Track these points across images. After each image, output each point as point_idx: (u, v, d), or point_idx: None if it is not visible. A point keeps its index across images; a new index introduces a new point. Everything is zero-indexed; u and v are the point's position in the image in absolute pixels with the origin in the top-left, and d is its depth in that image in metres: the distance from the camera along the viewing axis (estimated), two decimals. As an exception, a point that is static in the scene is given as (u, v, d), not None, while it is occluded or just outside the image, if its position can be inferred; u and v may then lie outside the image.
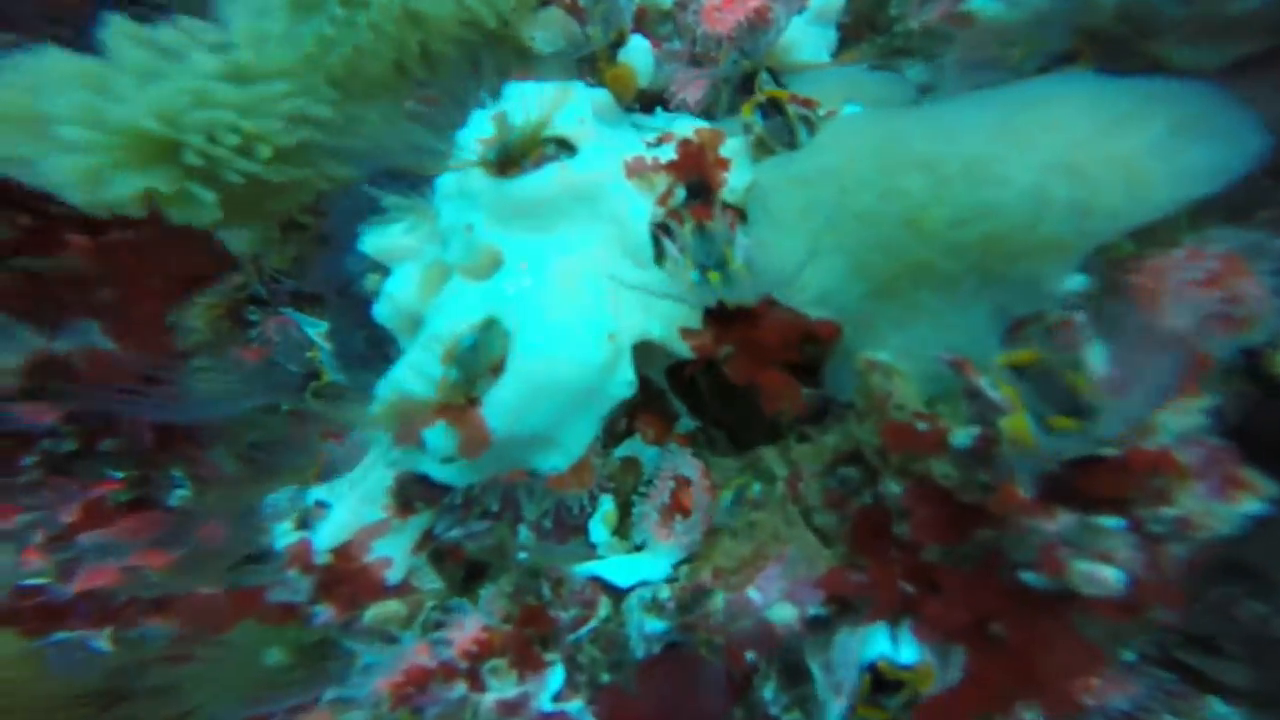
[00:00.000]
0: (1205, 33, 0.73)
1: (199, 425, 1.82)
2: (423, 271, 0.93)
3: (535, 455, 0.84)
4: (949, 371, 0.68)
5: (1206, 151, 0.63)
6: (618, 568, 0.97)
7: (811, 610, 0.76)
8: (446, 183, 0.87)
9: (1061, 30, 0.88)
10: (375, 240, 0.97)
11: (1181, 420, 0.57)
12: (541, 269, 0.80)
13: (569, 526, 1.05)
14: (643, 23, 1.29)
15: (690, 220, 0.86)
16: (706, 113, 1.30)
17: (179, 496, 1.88)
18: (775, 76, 1.27)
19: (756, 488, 0.89)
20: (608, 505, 1.02)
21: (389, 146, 0.92)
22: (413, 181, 1.03)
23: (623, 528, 1.03)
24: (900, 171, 0.73)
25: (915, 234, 0.72)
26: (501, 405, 0.76)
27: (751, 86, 1.26)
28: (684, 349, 0.87)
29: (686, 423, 1.06)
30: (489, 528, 1.03)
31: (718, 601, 0.80)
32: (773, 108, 0.95)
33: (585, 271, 0.83)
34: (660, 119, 1.18)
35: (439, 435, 0.76)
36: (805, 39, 1.29)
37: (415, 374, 0.80)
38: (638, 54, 1.23)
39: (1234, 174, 0.63)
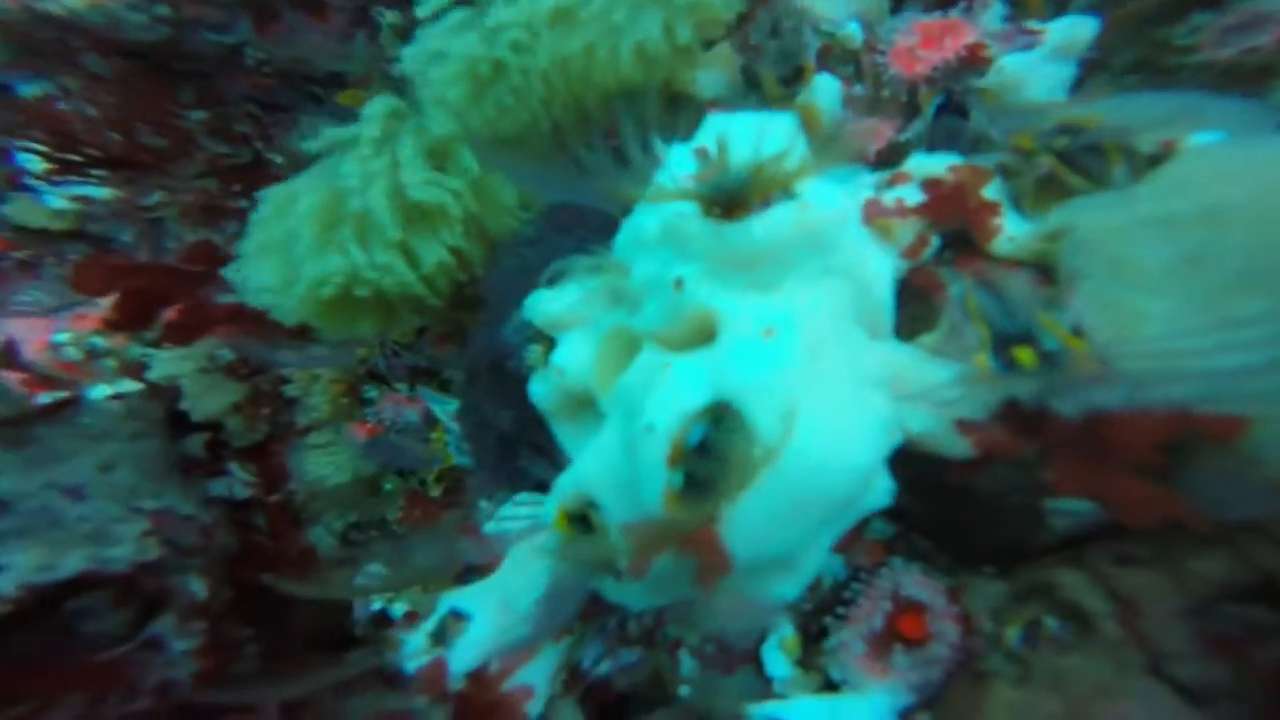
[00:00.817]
0: None
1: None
2: (601, 340, 0.71)
3: (766, 583, 0.58)
4: None
5: None
6: (810, 711, 0.68)
7: None
8: (646, 228, 0.66)
9: None
10: (544, 304, 0.78)
11: None
12: (787, 340, 0.56)
13: (736, 654, 0.77)
14: (825, 60, 1.10)
15: (973, 285, 0.61)
16: (884, 158, 1.07)
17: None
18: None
19: (1052, 623, 0.59)
20: (787, 630, 0.75)
21: (564, 185, 0.75)
22: (592, 235, 0.85)
23: (808, 658, 0.75)
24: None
25: None
26: (749, 524, 0.51)
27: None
28: (959, 447, 0.60)
29: (879, 527, 0.79)
30: (643, 657, 0.77)
31: None
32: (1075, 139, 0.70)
33: (832, 336, 0.59)
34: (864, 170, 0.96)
35: (662, 566, 0.52)
36: (1035, 76, 1.04)
37: (606, 472, 0.57)
38: (824, 93, 1.02)
39: None
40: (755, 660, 0.76)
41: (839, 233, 0.63)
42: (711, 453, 0.51)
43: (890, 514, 0.74)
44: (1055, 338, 0.53)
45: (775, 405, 0.51)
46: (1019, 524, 0.66)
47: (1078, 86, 1.05)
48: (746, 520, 0.50)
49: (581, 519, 0.62)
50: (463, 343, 1.39)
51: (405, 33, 1.84)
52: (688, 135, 0.76)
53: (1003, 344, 0.56)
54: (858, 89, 1.13)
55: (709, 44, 1.11)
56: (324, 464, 1.55)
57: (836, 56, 1.11)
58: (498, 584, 0.81)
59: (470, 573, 0.86)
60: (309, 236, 0.98)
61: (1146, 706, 0.53)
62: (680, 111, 1.08)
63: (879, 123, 1.11)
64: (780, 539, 0.53)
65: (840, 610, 0.73)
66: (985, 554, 0.71)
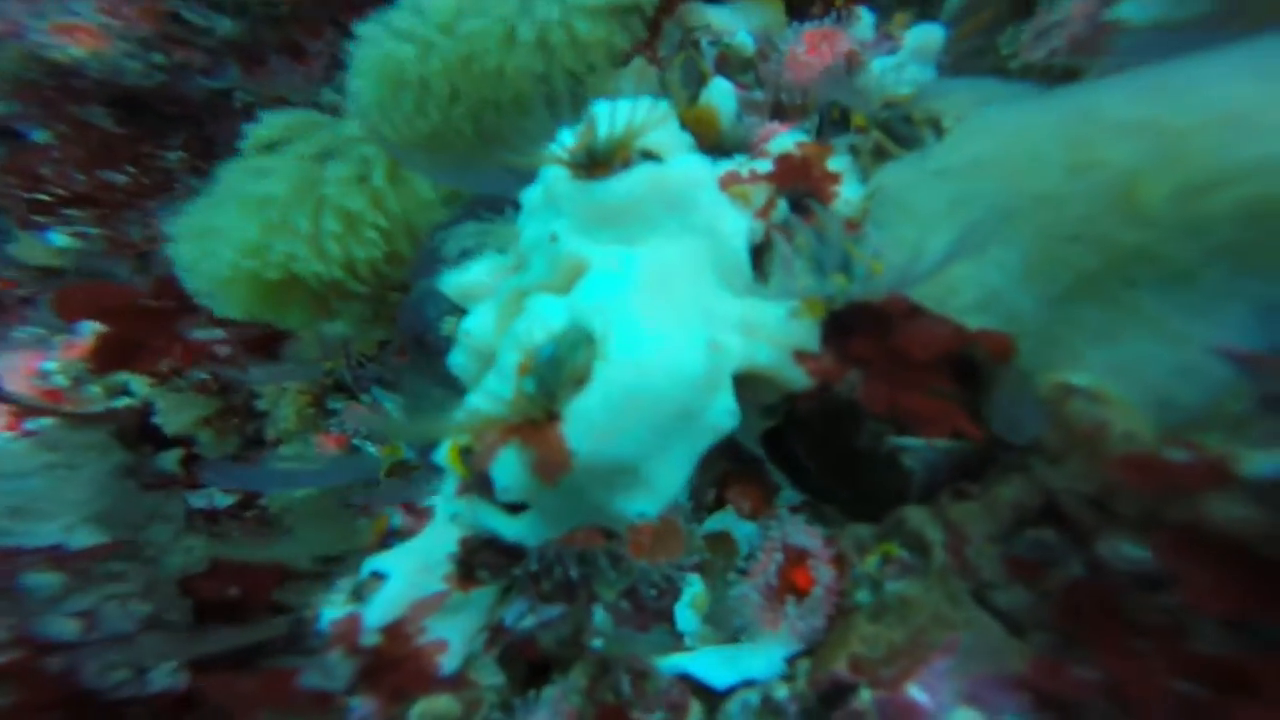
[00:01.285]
0: None
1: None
2: (500, 303, 0.80)
3: (619, 494, 0.64)
4: (1215, 393, 0.46)
5: None
6: (713, 663, 0.73)
7: (1008, 718, 0.49)
8: (532, 198, 0.76)
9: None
10: (455, 279, 0.86)
11: None
12: (631, 270, 0.65)
13: (650, 610, 0.83)
14: (723, 68, 1.22)
15: (803, 227, 0.70)
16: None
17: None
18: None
19: (904, 554, 0.65)
20: (696, 586, 0.81)
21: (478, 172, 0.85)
22: (496, 212, 0.94)
23: (716, 614, 0.81)
24: (1098, 142, 0.54)
25: (1126, 213, 0.52)
26: (586, 420, 0.57)
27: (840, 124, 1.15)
28: (798, 376, 0.68)
29: (790, 495, 0.86)
30: (565, 613, 0.82)
31: (864, 701, 0.55)
32: (894, 114, 0.81)
33: (680, 276, 0.68)
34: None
35: (510, 462, 0.59)
36: (900, 80, 1.17)
37: (489, 400, 0.65)
38: (720, 95, 1.13)
39: None
40: (668, 617, 0.81)
41: (696, 193, 0.73)
42: (557, 362, 0.59)
43: (796, 483, 0.82)
44: (861, 263, 0.62)
45: (611, 319, 0.59)
46: (881, 472, 0.72)
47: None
48: (583, 416, 0.58)
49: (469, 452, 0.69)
50: None
51: None
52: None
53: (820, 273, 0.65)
54: (758, 94, 1.25)
55: (626, 59, 1.23)
56: (296, 475, 1.59)
57: (733, 64, 1.23)
58: (417, 545, 0.86)
59: (391, 536, 0.91)
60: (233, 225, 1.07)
61: (974, 635, 0.57)
62: None
63: (781, 126, 1.23)
64: (619, 440, 0.59)
65: (742, 565, 0.78)
66: (866, 508, 0.77)
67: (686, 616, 0.80)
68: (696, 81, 1.16)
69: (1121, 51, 0.72)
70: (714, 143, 1.13)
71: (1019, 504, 0.58)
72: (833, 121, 1.18)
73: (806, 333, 0.67)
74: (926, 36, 1.18)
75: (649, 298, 0.62)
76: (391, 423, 1.04)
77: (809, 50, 1.22)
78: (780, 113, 1.26)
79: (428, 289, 0.92)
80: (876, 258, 0.62)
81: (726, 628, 0.79)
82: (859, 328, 0.63)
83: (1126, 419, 0.50)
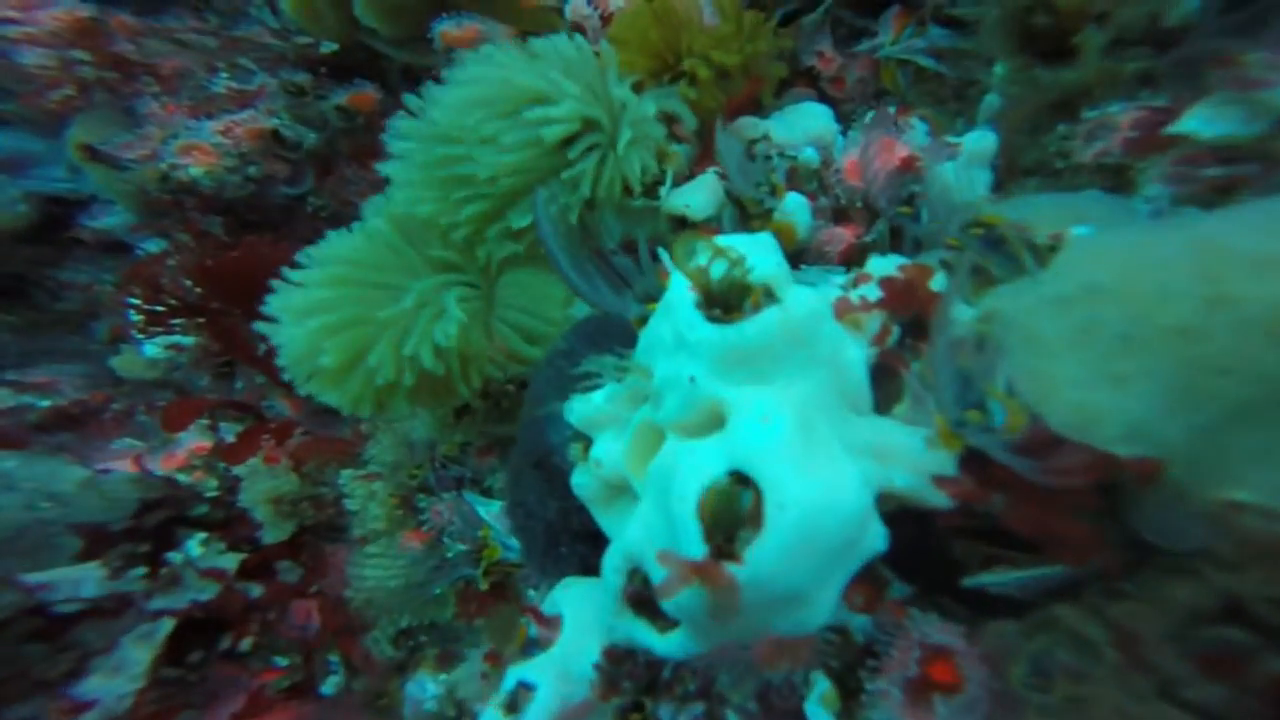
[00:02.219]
0: None
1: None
2: (632, 435, 0.84)
3: (781, 618, 0.66)
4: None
5: None
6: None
7: None
8: (662, 335, 0.81)
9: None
10: (580, 407, 0.91)
11: None
12: (780, 419, 0.68)
13: (779, 710, 0.82)
14: (793, 180, 1.29)
15: (933, 359, 0.74)
16: (849, 258, 1.25)
17: (332, 683, 1.79)
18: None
19: (1063, 655, 0.65)
20: (824, 684, 0.80)
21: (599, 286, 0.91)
22: (615, 344, 0.99)
23: (848, 710, 0.80)
24: (1230, 277, 0.57)
25: (1274, 348, 0.55)
26: (762, 565, 0.61)
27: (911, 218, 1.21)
28: (938, 498, 0.70)
29: (899, 588, 0.86)
30: (705, 711, 0.82)
31: None
32: (987, 235, 0.85)
33: (816, 411, 0.71)
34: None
35: (687, 596, 0.61)
36: (960, 184, 1.23)
37: (648, 539, 0.67)
38: (797, 209, 1.20)
39: None
40: (798, 716, 0.82)
41: (817, 327, 0.77)
42: (731, 509, 0.62)
43: (903, 575, 0.83)
44: (996, 400, 0.65)
45: (773, 467, 0.62)
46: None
47: (997, 188, 1.24)
48: (762, 558, 0.60)
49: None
50: (502, 454, 1.51)
51: None
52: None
53: (958, 406, 0.68)
54: (823, 201, 1.32)
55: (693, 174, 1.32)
56: (379, 570, 1.63)
57: (801, 175, 1.31)
58: (556, 655, 0.88)
59: (533, 646, 0.92)
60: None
61: None
62: (681, 229, 1.27)
63: (844, 229, 1.30)
64: (792, 574, 0.62)
65: (871, 663, 0.78)
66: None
67: (818, 713, 0.79)
68: (771, 195, 1.23)
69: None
70: (791, 252, 1.19)
71: (1195, 606, 0.58)
72: (899, 216, 1.24)
73: (945, 460, 0.69)
74: (982, 142, 1.24)
75: (801, 442, 0.66)
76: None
77: (869, 157, 1.30)
78: (842, 217, 1.33)
79: (552, 413, 0.97)
80: (1010, 395, 0.64)
81: (861, 721, 0.78)
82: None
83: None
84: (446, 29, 1.78)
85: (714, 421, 0.74)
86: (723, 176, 1.24)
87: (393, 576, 1.64)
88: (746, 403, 0.70)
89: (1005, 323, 0.72)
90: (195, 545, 1.91)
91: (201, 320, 1.93)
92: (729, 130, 1.24)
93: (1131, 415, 0.61)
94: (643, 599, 0.72)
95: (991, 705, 0.67)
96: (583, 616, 0.90)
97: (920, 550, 0.72)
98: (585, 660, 0.85)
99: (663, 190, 1.23)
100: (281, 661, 1.77)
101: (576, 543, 1.04)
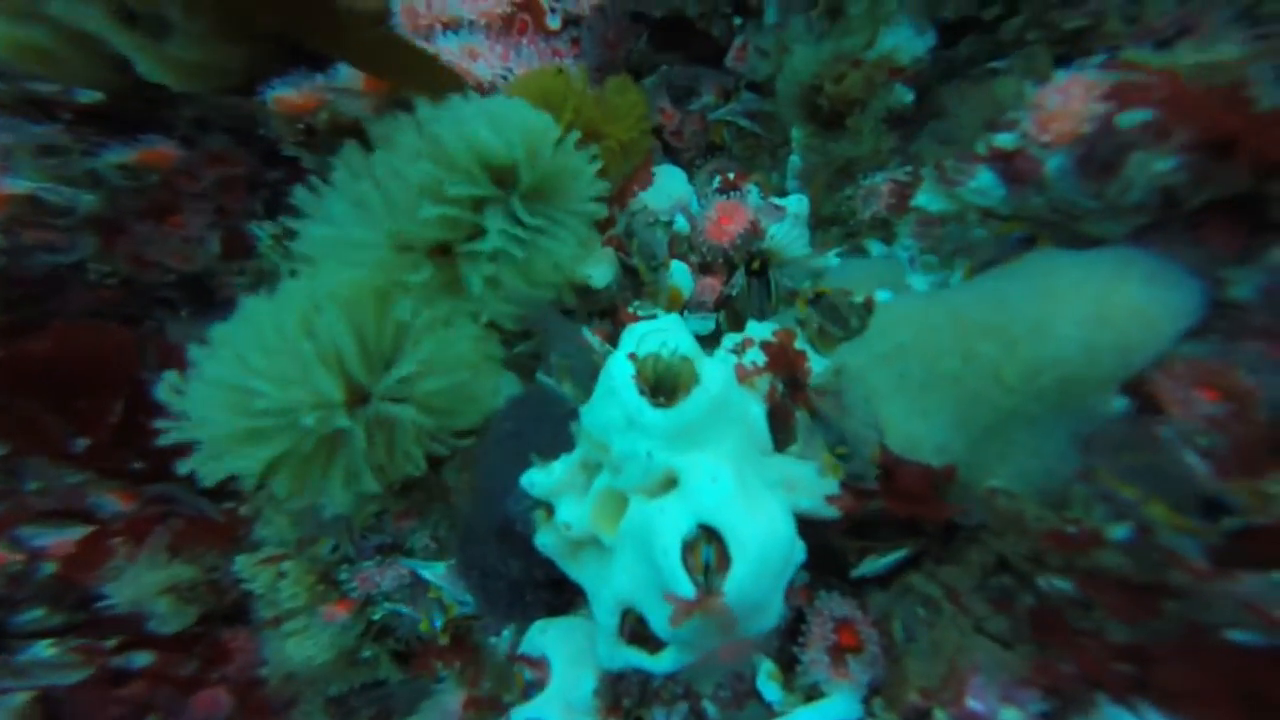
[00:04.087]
0: (1111, 214, 1.00)
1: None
2: (594, 499, 0.99)
3: (751, 624, 0.89)
4: (1067, 483, 0.82)
5: (1181, 294, 0.85)
6: (808, 718, 0.99)
7: (1033, 707, 0.81)
8: (612, 417, 0.97)
9: (1004, 220, 1.14)
10: (540, 479, 1.03)
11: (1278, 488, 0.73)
12: (724, 477, 0.90)
13: (741, 692, 1.06)
14: (673, 247, 1.52)
15: (804, 409, 1.00)
16: (720, 304, 1.52)
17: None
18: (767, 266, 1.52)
19: (920, 611, 0.97)
20: (768, 664, 1.05)
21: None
22: (556, 422, 1.12)
23: (789, 680, 1.06)
24: (973, 339, 0.91)
25: (1000, 387, 0.89)
26: (737, 592, 0.82)
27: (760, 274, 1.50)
28: (830, 512, 0.97)
29: (801, 576, 1.11)
30: (689, 710, 1.02)
31: (941, 718, 0.84)
32: (821, 301, 1.15)
33: (743, 461, 0.94)
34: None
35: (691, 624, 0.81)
36: (789, 238, 1.55)
37: (636, 584, 0.85)
38: (680, 275, 1.43)
39: (1200, 308, 0.85)
40: (755, 694, 1.03)
41: (730, 396, 1.00)
42: (707, 554, 0.82)
43: (807, 569, 1.08)
44: (857, 438, 0.93)
45: (728, 517, 0.84)
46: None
47: (814, 241, 1.59)
48: (736, 587, 0.82)
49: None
50: (421, 517, 1.55)
51: (287, 240, 2.00)
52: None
53: (831, 443, 0.95)
54: (692, 258, 1.56)
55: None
56: (308, 647, 1.58)
57: (678, 244, 1.54)
58: (555, 691, 1.02)
59: (530, 688, 1.04)
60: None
61: (986, 656, 0.87)
62: (585, 297, 1.43)
63: (712, 279, 1.55)
64: (756, 592, 0.85)
65: (800, 640, 1.02)
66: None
67: (769, 689, 1.04)
68: (657, 265, 1.44)
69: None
70: (680, 308, 1.42)
71: (983, 564, 0.92)
72: (751, 271, 1.53)
73: (832, 484, 0.96)
74: (800, 205, 1.58)
75: (742, 492, 0.88)
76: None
77: (723, 220, 1.57)
78: (707, 270, 1.59)
79: (508, 486, 1.08)
80: (869, 428, 0.93)
81: (803, 688, 1.05)
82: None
83: (1031, 506, 0.85)
84: (283, 96, 1.65)
85: (667, 483, 0.94)
86: (618, 249, 1.42)
87: (322, 649, 1.61)
88: (694, 467, 0.91)
89: (849, 375, 1.01)
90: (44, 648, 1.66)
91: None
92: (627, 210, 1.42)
93: (936, 438, 0.93)
94: (635, 633, 0.90)
95: (883, 657, 0.96)
96: (568, 653, 1.05)
97: (818, 550, 0.99)
98: (583, 690, 1.00)
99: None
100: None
101: (541, 591, 1.17)
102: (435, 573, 1.38)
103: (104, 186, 1.86)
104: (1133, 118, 0.84)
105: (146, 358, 1.91)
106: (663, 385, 0.96)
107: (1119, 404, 0.87)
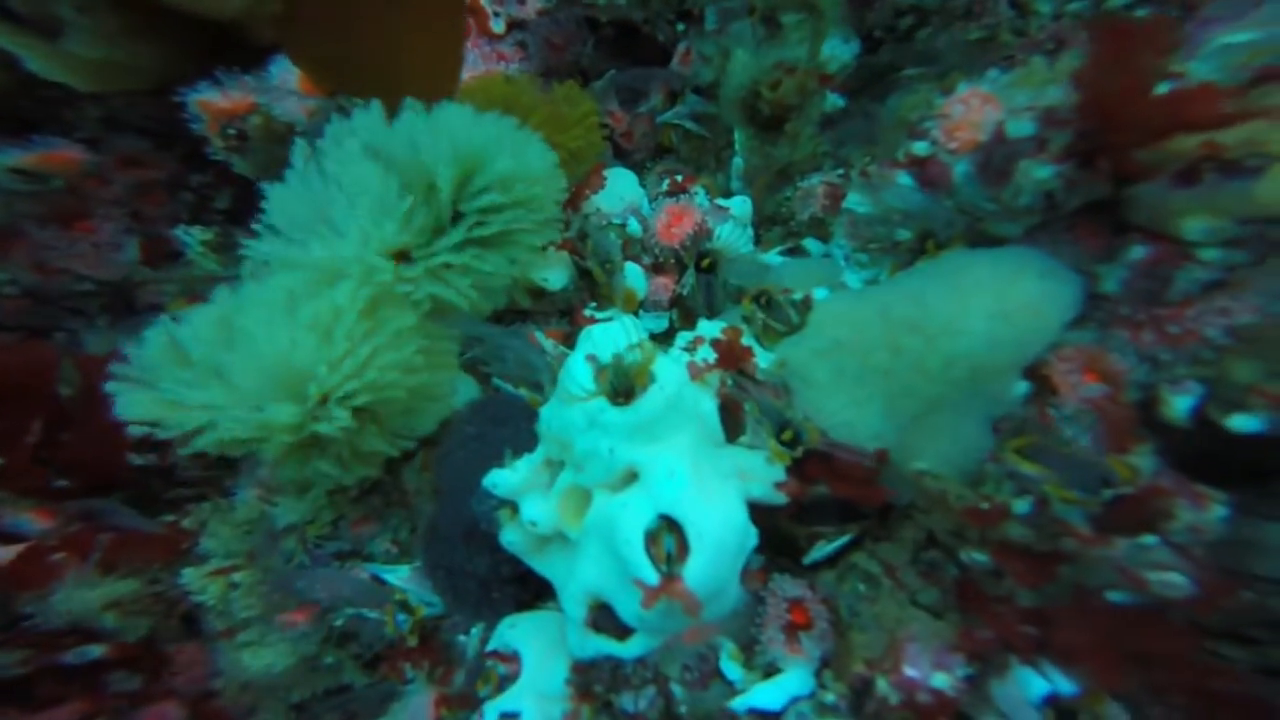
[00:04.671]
0: (1008, 216, 1.11)
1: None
2: (559, 496, 1.03)
3: (711, 608, 0.95)
4: (982, 463, 0.92)
5: (1066, 288, 0.97)
6: (767, 694, 1.06)
7: (960, 671, 0.91)
8: (572, 418, 1.00)
9: (915, 223, 1.24)
10: (504, 480, 1.06)
11: (1144, 461, 0.85)
12: (681, 471, 0.95)
13: (707, 674, 1.13)
14: (627, 250, 1.56)
15: (752, 401, 1.07)
16: (673, 303, 1.58)
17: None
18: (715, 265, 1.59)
19: (862, 587, 1.06)
20: (728, 645, 1.12)
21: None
22: (516, 424, 1.14)
23: (749, 659, 1.13)
24: (899, 334, 1.00)
25: (924, 377, 0.98)
26: (697, 578, 0.88)
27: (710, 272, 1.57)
28: (779, 498, 1.05)
29: (755, 560, 1.18)
30: (655, 695, 1.08)
31: (882, 687, 0.93)
32: (765, 299, 1.22)
33: (698, 454, 0.99)
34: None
35: (660, 609, 0.86)
36: (735, 238, 1.62)
37: (603, 576, 0.90)
38: (634, 277, 1.48)
39: (1081, 300, 0.97)
40: (718, 674, 1.08)
41: (683, 393, 1.05)
42: (669, 543, 0.87)
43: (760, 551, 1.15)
44: (800, 425, 1.00)
45: (688, 508, 0.90)
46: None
47: (758, 240, 1.66)
48: (696, 573, 0.88)
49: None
50: (378, 520, 1.54)
51: (220, 247, 1.92)
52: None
53: (777, 430, 1.02)
54: (645, 258, 1.61)
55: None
56: (265, 656, 1.54)
57: (631, 246, 1.58)
58: (527, 683, 1.05)
59: (505, 681, 1.07)
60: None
61: (920, 625, 0.95)
62: (540, 299, 1.44)
63: (664, 279, 1.60)
64: (716, 578, 0.91)
65: (757, 621, 1.09)
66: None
67: (731, 668, 1.11)
68: (612, 267, 1.48)
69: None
70: (635, 309, 1.47)
71: (915, 540, 1.01)
72: (701, 269, 1.60)
73: (779, 471, 1.03)
74: (744, 207, 1.65)
75: (698, 483, 0.94)
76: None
77: (673, 222, 1.62)
78: (659, 270, 1.64)
79: (472, 487, 1.10)
80: (807, 420, 1.01)
81: (761, 666, 1.12)
82: (810, 462, 1.01)
83: (952, 485, 0.95)
84: (207, 100, 1.57)
85: (628, 478, 0.98)
86: (573, 252, 1.44)
87: (281, 656, 1.58)
88: (652, 462, 0.96)
89: (791, 369, 1.08)
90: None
91: None
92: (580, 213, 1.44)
93: (871, 425, 1.01)
94: (603, 622, 0.95)
95: (832, 632, 1.05)
96: (539, 646, 1.09)
97: (769, 533, 1.06)
98: (555, 680, 1.04)
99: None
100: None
101: (507, 586, 1.20)
102: (399, 576, 1.38)
103: (-3, 193, 1.73)
104: (1020, 128, 0.94)
105: (65, 372, 1.79)
106: (620, 385, 1.00)
107: (1021, 388, 0.98)
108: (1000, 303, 0.95)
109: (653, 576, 0.86)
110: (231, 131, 1.57)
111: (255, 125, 1.57)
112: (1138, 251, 0.90)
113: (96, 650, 1.59)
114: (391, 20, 1.23)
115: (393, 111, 1.21)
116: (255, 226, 1.24)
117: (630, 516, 0.91)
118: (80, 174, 1.76)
